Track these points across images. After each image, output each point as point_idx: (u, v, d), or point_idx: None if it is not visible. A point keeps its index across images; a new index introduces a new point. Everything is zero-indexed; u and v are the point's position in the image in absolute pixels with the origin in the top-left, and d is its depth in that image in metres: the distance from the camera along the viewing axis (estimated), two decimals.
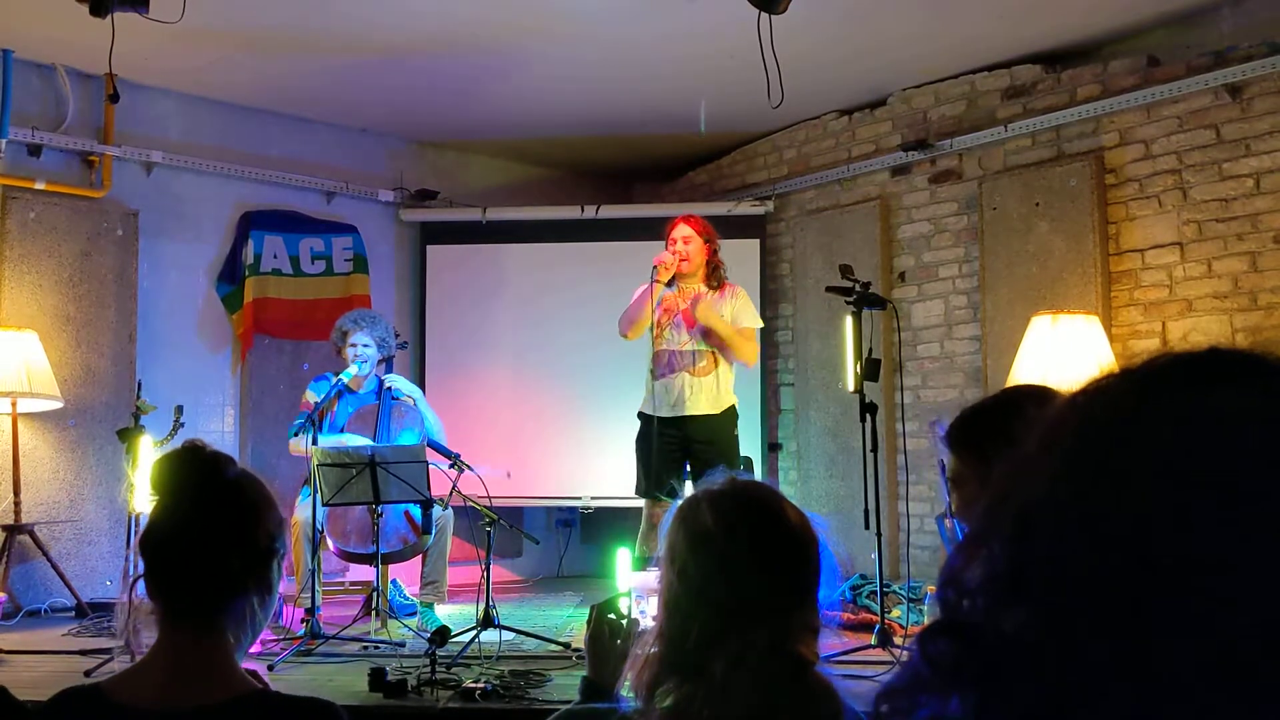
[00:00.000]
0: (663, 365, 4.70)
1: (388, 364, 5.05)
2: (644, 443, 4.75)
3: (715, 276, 4.76)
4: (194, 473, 1.45)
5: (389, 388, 4.95)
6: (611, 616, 1.61)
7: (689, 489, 4.43)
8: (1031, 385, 2.07)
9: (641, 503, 4.79)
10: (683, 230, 4.74)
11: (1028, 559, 0.50)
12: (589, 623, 1.64)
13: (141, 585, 1.43)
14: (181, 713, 1.34)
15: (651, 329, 4.73)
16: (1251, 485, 0.46)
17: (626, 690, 1.36)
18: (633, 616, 1.62)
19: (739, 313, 4.74)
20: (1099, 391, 0.53)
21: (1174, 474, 0.47)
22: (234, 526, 1.42)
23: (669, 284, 4.73)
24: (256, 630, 1.47)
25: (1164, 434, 0.48)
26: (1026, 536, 0.50)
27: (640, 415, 4.83)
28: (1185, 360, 0.51)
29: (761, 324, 4.93)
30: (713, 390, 4.69)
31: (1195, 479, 0.47)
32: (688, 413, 4.64)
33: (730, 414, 4.75)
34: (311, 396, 4.86)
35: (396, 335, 5.14)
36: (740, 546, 1.34)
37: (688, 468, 4.64)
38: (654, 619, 1.38)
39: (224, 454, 1.50)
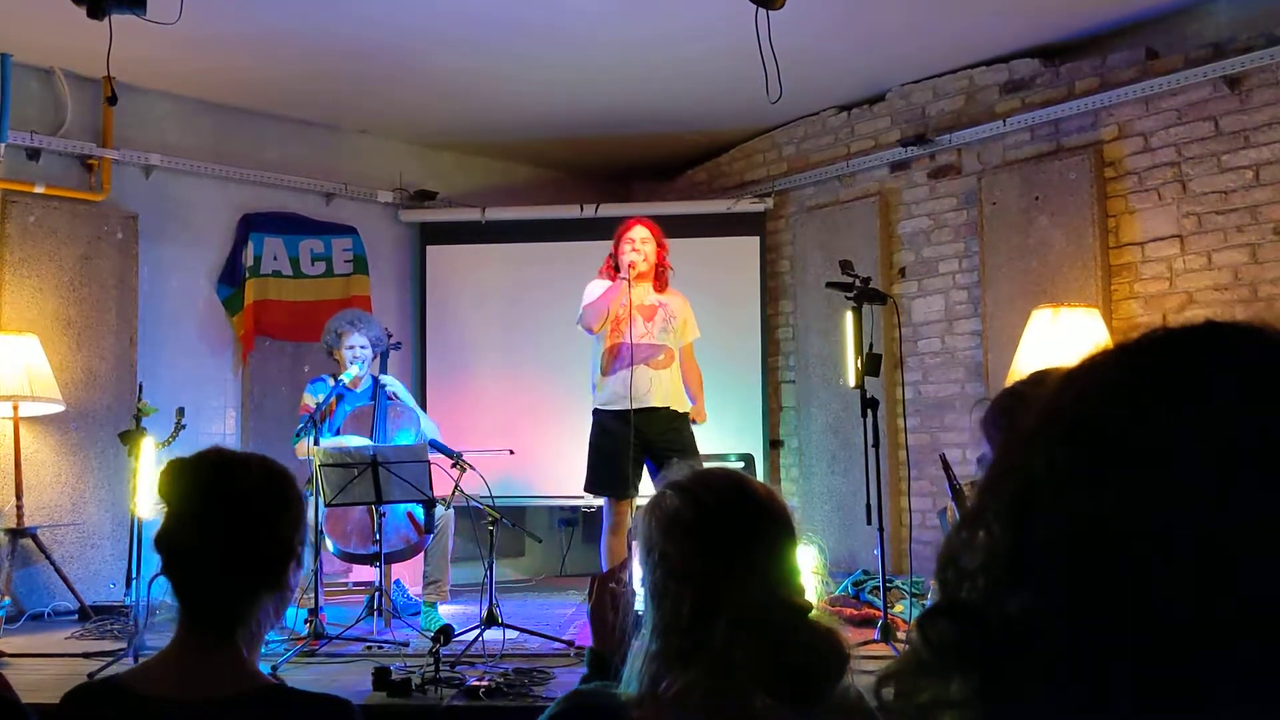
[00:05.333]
0: (619, 359, 4.71)
1: (382, 362, 5.05)
2: (604, 439, 4.72)
3: (663, 279, 4.87)
4: (206, 481, 1.44)
5: (384, 386, 4.95)
6: (613, 585, 1.61)
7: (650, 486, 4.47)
8: (1057, 368, 2.02)
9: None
10: (640, 231, 4.81)
11: (1028, 537, 0.50)
12: (590, 593, 1.64)
13: (156, 585, 1.44)
14: (200, 704, 1.36)
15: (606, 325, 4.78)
16: (1251, 458, 0.46)
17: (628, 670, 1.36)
18: (635, 587, 1.62)
19: (690, 324, 4.90)
20: (1097, 367, 0.53)
21: (1174, 448, 0.47)
22: (247, 533, 1.42)
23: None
24: (276, 620, 1.50)
25: (1162, 408, 0.48)
26: (1026, 514, 0.50)
27: (596, 412, 4.80)
28: (1183, 334, 0.51)
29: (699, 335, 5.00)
30: (669, 383, 4.75)
31: (1196, 453, 0.46)
32: (650, 404, 4.67)
33: (687, 419, 4.81)
34: (310, 399, 4.87)
35: (389, 335, 5.15)
36: (713, 519, 1.35)
37: (648, 466, 4.67)
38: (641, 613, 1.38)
39: (240, 456, 1.49)
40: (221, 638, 1.40)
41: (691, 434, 4.80)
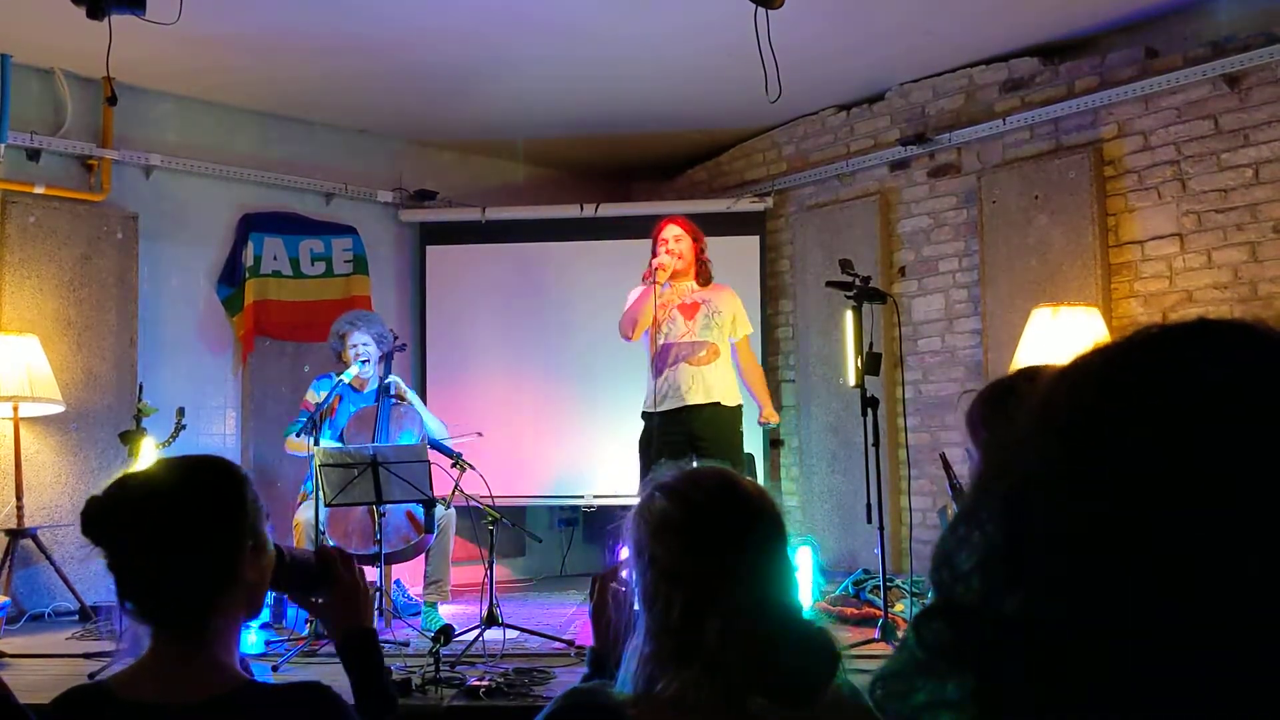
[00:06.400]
0: (663, 359, 4.71)
1: (387, 362, 5.05)
2: (648, 440, 4.74)
3: (704, 273, 4.84)
4: (124, 513, 1.42)
5: (389, 390, 4.93)
6: (614, 585, 1.61)
7: None
8: (1047, 364, 2.01)
9: None
10: (673, 230, 4.81)
11: (1023, 536, 0.50)
12: (592, 593, 1.64)
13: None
14: (184, 707, 1.37)
15: (650, 327, 4.77)
16: (1247, 454, 0.46)
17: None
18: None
19: (740, 319, 4.85)
20: (1090, 364, 0.53)
21: (1169, 446, 0.47)
22: (180, 546, 1.41)
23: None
24: (254, 611, 1.49)
25: (1156, 405, 0.48)
26: (1021, 513, 0.50)
27: (644, 415, 4.82)
28: (1176, 331, 0.51)
29: (752, 329, 4.97)
30: (714, 379, 4.70)
31: (1190, 450, 0.46)
32: (691, 402, 4.65)
33: (737, 412, 4.76)
34: (314, 396, 4.89)
35: (395, 337, 5.14)
36: (702, 519, 1.35)
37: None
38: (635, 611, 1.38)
39: (150, 474, 1.47)
40: (193, 644, 1.41)
41: (738, 427, 4.75)
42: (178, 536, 1.41)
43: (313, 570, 1.64)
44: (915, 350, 5.77)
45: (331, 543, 4.59)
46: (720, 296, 4.82)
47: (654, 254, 4.77)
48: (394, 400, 4.95)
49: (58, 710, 1.41)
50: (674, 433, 4.61)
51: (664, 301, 4.74)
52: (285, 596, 4.44)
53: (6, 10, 4.72)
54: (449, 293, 6.57)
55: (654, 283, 4.66)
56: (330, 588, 1.65)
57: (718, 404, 4.69)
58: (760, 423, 4.93)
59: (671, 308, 4.75)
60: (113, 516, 1.42)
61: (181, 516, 1.42)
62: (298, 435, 4.72)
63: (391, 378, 4.98)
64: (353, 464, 4.30)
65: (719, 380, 4.71)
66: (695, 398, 4.65)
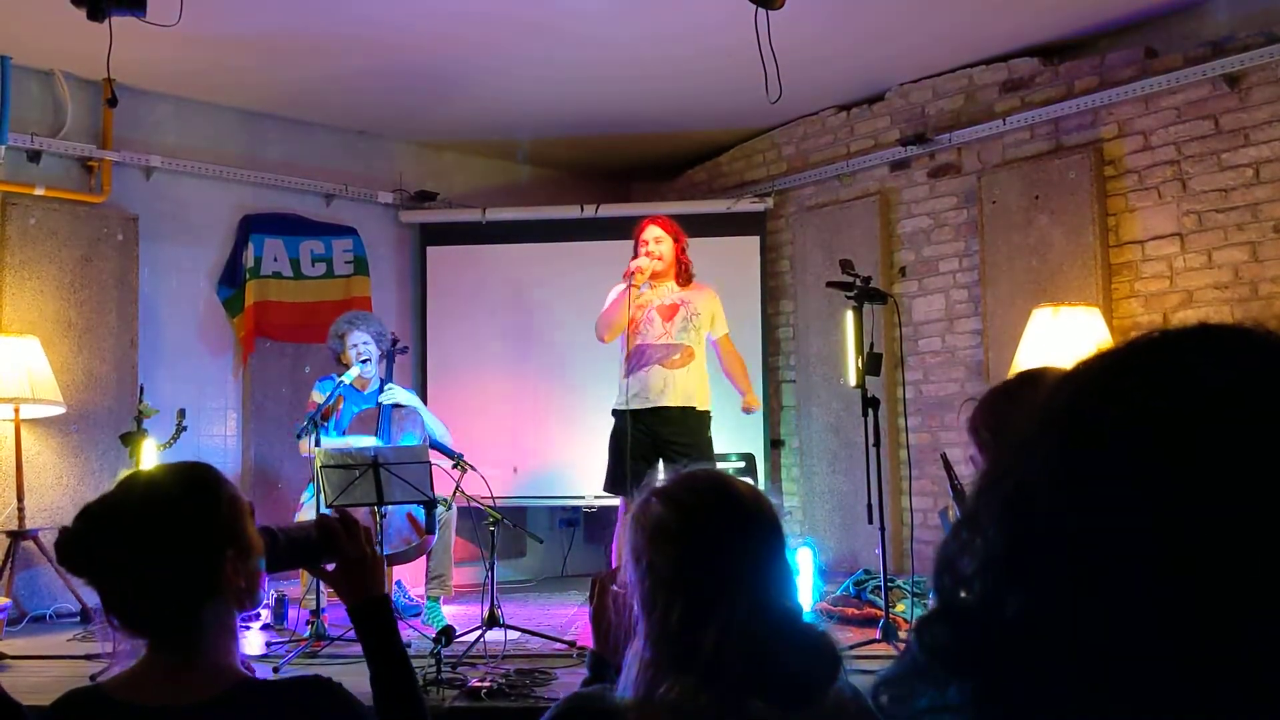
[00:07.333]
0: (637, 360, 4.71)
1: (388, 363, 5.04)
2: (619, 439, 4.74)
3: (685, 274, 4.83)
4: (93, 540, 1.41)
5: (386, 401, 4.91)
6: (614, 588, 1.61)
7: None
8: (1048, 367, 2.01)
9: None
10: (653, 231, 4.80)
11: (1025, 540, 0.50)
12: (591, 596, 1.65)
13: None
14: (183, 709, 1.36)
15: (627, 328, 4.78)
16: (1246, 458, 0.46)
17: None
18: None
19: (718, 318, 4.85)
20: (1090, 370, 0.53)
21: (1170, 450, 0.47)
22: (156, 563, 1.39)
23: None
24: (247, 608, 1.48)
25: (1158, 410, 0.48)
26: (1024, 516, 0.50)
27: (614, 413, 4.81)
28: (1176, 336, 0.52)
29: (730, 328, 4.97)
30: (687, 384, 4.70)
31: (1192, 455, 0.47)
32: (663, 403, 4.65)
33: (706, 418, 4.77)
34: (317, 396, 4.88)
35: (395, 340, 5.14)
36: (698, 525, 1.35)
37: (660, 465, 4.64)
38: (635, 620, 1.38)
39: (112, 497, 1.46)
40: (186, 650, 1.40)
41: (707, 433, 4.76)
42: (150, 557, 1.39)
43: (312, 544, 1.61)
44: (916, 350, 5.77)
45: None
46: (700, 297, 4.82)
47: (635, 254, 4.78)
48: (394, 403, 4.95)
49: (57, 713, 1.41)
50: (645, 434, 4.61)
51: (642, 303, 4.74)
52: (287, 598, 4.47)
53: (6, 11, 4.72)
54: (449, 293, 6.57)
55: (630, 285, 4.66)
56: (335, 558, 1.61)
57: (690, 408, 4.69)
58: (743, 410, 4.88)
59: (650, 309, 4.74)
60: (83, 545, 1.41)
61: (150, 539, 1.40)
62: (299, 437, 4.71)
63: (389, 389, 4.94)
64: (354, 465, 4.30)
65: (692, 384, 4.72)
66: (667, 400, 4.66)
